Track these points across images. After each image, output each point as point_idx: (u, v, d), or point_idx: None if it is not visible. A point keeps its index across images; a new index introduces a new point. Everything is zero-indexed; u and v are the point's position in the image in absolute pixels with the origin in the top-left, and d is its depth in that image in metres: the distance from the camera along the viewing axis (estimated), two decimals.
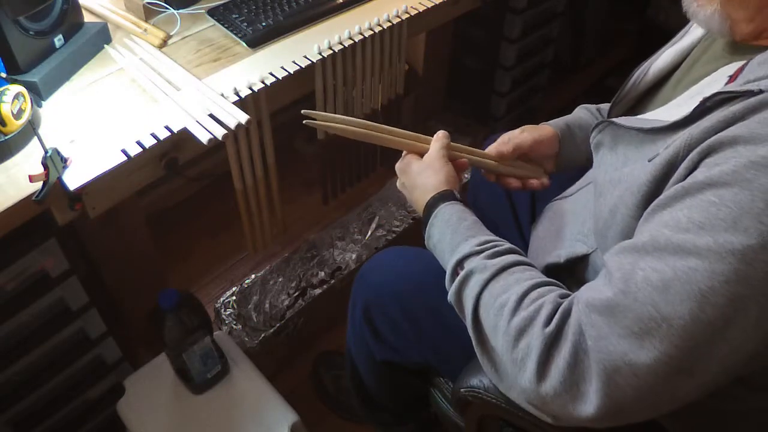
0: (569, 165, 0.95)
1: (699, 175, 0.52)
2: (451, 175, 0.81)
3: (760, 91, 0.52)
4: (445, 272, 0.72)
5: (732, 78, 0.60)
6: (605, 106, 0.95)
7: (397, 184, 0.87)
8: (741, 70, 0.59)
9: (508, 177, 0.91)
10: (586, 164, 0.94)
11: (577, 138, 0.94)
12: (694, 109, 0.58)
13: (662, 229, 0.53)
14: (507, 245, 0.70)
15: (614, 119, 0.71)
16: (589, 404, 0.54)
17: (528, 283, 0.63)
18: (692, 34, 0.77)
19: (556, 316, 0.57)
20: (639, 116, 0.72)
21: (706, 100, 0.57)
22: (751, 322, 0.49)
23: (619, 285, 0.54)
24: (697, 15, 0.64)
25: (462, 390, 0.77)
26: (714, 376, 0.52)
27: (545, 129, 0.93)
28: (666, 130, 0.62)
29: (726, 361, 0.51)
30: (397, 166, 0.86)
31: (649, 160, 0.61)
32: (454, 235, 0.72)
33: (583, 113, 0.98)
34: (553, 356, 0.56)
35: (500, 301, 0.62)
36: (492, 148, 0.90)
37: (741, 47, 0.64)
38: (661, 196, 0.56)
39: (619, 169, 0.67)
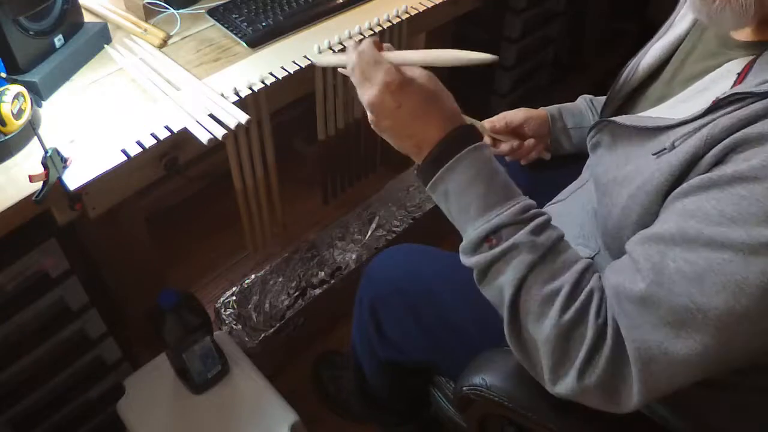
0: (557, 147, 1.00)
1: (727, 168, 0.53)
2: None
3: None
4: (458, 268, 0.67)
5: (741, 76, 0.60)
6: (602, 99, 0.97)
7: (376, 108, 0.64)
8: (749, 67, 0.60)
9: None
10: (573, 151, 0.99)
11: (567, 122, 0.99)
12: (708, 108, 0.58)
13: (690, 221, 0.54)
14: (546, 215, 0.64)
15: (615, 119, 0.71)
16: (626, 394, 0.55)
17: (577, 267, 0.60)
18: (677, 27, 0.77)
19: (603, 308, 0.58)
20: (640, 114, 0.72)
21: (720, 100, 0.57)
22: None
23: (651, 275, 0.55)
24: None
25: (464, 388, 0.77)
26: (741, 360, 0.55)
27: (539, 110, 0.99)
28: (672, 126, 0.62)
29: (755, 344, 0.53)
30: (386, 80, 0.63)
31: (654, 154, 0.61)
32: (489, 193, 0.62)
33: (580, 102, 1.02)
34: (600, 348, 0.56)
35: (551, 289, 0.59)
36: (486, 121, 0.96)
37: (734, 42, 0.64)
38: (684, 185, 0.56)
39: (621, 167, 0.67)
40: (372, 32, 1.13)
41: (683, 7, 0.78)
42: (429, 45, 1.69)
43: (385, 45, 0.67)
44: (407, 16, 1.18)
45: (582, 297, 0.58)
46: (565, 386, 0.58)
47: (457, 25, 1.76)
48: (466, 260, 0.64)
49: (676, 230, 0.55)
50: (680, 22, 0.77)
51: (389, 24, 1.15)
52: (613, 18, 2.17)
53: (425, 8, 1.19)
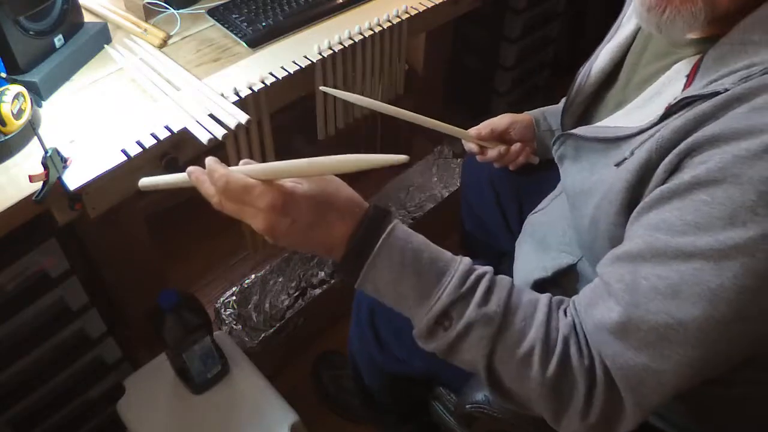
0: (544, 150, 0.99)
1: (684, 176, 0.52)
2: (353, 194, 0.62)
3: (726, 90, 0.52)
4: None
5: (690, 77, 0.60)
6: None
7: (270, 233, 0.57)
8: (696, 67, 0.59)
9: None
10: None
11: (552, 124, 0.99)
12: (662, 116, 0.58)
13: (656, 234, 0.53)
14: (487, 272, 0.60)
15: (574, 131, 0.71)
16: (624, 418, 0.55)
17: (539, 319, 0.57)
18: (626, 27, 0.77)
19: (584, 347, 0.56)
20: (598, 125, 0.72)
21: (672, 106, 0.57)
22: (764, 308, 0.50)
23: (626, 297, 0.53)
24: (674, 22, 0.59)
25: (467, 406, 0.76)
26: (731, 362, 0.54)
27: (523, 114, 0.99)
28: (631, 136, 0.62)
29: (742, 346, 0.53)
30: (268, 203, 0.55)
31: (616, 165, 0.61)
32: (420, 278, 0.58)
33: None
34: (594, 387, 0.55)
35: (522, 351, 0.56)
36: (471, 130, 0.96)
37: (683, 41, 0.63)
38: (646, 199, 0.55)
39: (587, 178, 0.67)
40: (372, 32, 1.13)
41: (629, 8, 0.77)
42: (429, 45, 1.69)
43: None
44: (407, 16, 1.17)
45: (559, 348, 0.56)
46: (570, 428, 0.57)
47: (457, 25, 1.76)
48: (425, 345, 0.61)
49: (644, 246, 0.53)
50: (628, 22, 0.76)
51: (389, 24, 1.15)
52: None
53: (425, 8, 1.19)
